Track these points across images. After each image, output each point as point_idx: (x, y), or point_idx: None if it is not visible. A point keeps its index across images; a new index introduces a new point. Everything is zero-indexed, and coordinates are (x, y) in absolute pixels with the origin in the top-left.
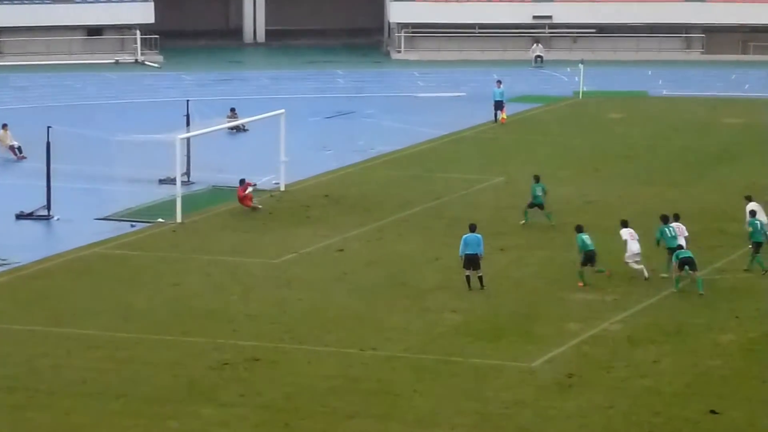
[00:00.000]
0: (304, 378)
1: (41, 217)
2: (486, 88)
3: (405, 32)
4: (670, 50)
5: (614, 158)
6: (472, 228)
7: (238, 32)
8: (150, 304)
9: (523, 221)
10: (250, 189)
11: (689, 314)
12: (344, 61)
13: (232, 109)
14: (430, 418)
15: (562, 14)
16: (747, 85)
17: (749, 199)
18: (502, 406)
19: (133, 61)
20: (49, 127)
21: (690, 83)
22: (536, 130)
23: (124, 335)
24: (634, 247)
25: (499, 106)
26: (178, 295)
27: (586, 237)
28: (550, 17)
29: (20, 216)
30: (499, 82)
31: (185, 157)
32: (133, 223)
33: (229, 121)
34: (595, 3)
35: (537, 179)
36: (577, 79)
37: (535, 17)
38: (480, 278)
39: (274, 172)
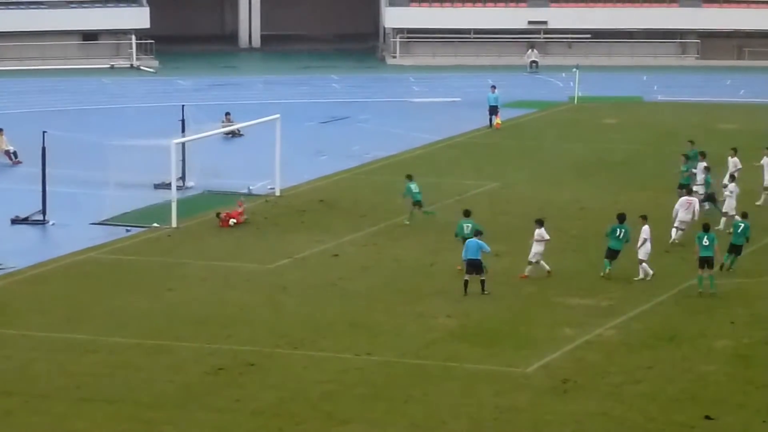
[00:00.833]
0: (299, 383)
1: (36, 221)
2: (481, 94)
3: (400, 37)
4: (665, 56)
5: (609, 164)
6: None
7: (233, 37)
8: (145, 309)
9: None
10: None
11: (684, 320)
12: (339, 67)
13: (227, 114)
14: (424, 423)
15: (557, 20)
16: (742, 91)
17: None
18: (497, 412)
19: (128, 66)
20: (44, 132)
21: (685, 89)
22: (531, 136)
23: (119, 340)
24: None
25: (493, 111)
26: (173, 300)
27: (468, 224)
28: (545, 23)
29: (15, 221)
30: (494, 87)
31: (180, 162)
32: (129, 228)
33: (224, 126)
34: (590, 8)
35: (410, 178)
36: (572, 84)
37: (530, 22)
38: (482, 282)
39: (269, 177)
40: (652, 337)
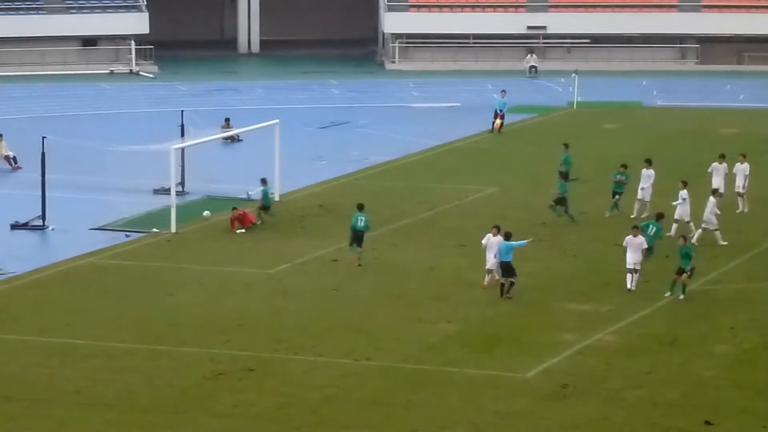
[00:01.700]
0: (299, 388)
1: (36, 227)
2: (480, 99)
3: (399, 42)
4: (665, 60)
5: (609, 169)
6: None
7: (232, 42)
8: (144, 314)
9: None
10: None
11: (684, 325)
12: (338, 72)
13: (227, 119)
14: (424, 428)
15: (556, 24)
16: (742, 96)
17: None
18: (497, 417)
19: (127, 71)
20: (44, 137)
21: (684, 94)
22: (530, 141)
23: (118, 345)
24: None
25: (499, 114)
26: (173, 305)
27: (362, 216)
28: (544, 27)
29: (15, 226)
30: (504, 91)
31: (180, 167)
32: (128, 233)
33: (223, 131)
34: (590, 13)
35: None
36: (571, 89)
37: (529, 27)
38: (510, 284)
39: (269, 182)
40: (653, 342)
